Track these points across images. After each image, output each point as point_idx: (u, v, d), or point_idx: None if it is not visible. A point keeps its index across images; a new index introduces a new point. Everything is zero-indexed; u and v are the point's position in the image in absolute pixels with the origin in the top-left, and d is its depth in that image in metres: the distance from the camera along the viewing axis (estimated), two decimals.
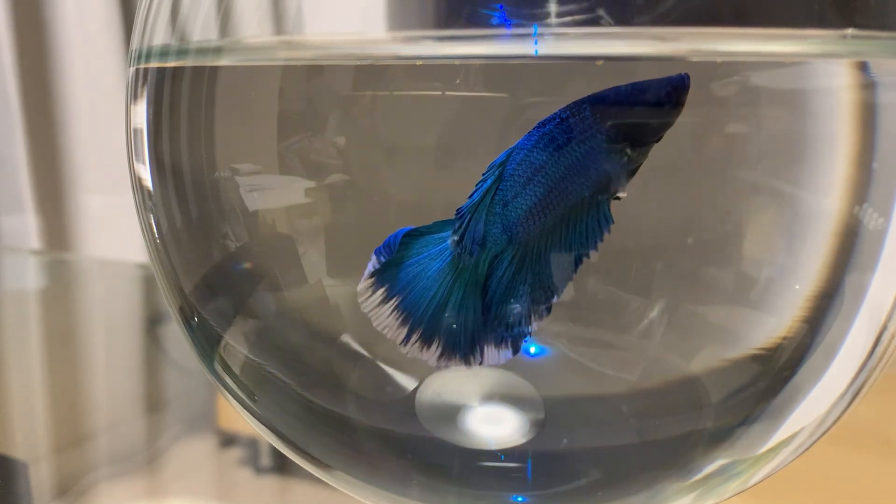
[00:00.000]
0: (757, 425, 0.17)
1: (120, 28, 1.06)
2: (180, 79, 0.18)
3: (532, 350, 0.16)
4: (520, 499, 0.18)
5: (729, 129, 0.15)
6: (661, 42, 0.15)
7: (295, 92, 0.17)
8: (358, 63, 0.16)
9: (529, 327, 0.16)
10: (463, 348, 0.16)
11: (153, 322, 0.60)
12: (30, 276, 0.79)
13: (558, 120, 0.15)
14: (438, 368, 0.16)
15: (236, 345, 0.19)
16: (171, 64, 0.18)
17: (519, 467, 0.18)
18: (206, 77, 0.17)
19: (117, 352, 0.54)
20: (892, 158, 0.16)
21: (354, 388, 0.18)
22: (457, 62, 0.15)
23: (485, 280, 0.16)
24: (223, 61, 0.18)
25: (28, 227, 1.08)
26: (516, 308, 0.16)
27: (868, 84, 0.16)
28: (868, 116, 0.16)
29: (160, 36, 0.18)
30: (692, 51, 0.15)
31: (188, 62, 0.18)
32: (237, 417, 0.21)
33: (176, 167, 0.18)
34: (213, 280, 0.19)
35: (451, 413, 0.17)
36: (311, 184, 0.16)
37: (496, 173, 0.15)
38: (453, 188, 0.16)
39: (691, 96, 0.14)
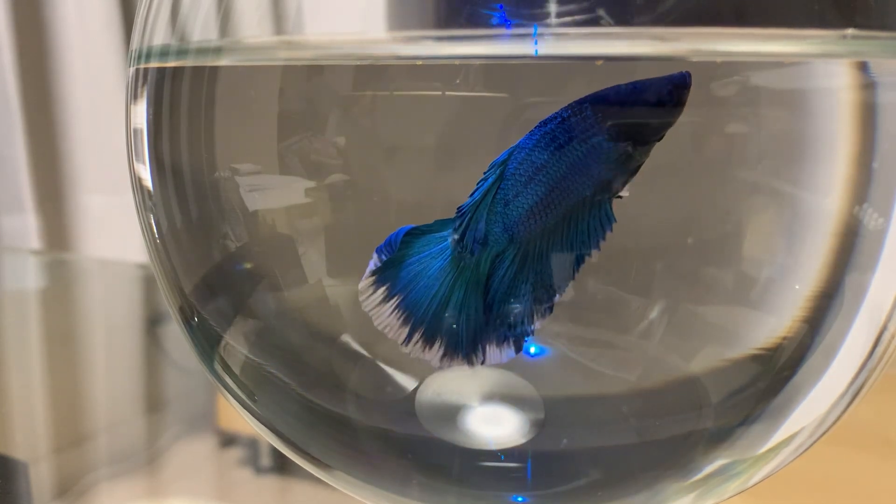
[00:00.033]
0: (757, 425, 0.17)
1: (120, 28, 1.06)
2: (180, 79, 0.18)
3: (532, 350, 0.16)
4: (520, 499, 0.18)
5: (729, 129, 0.15)
6: (661, 42, 0.15)
7: (295, 92, 0.17)
8: (358, 63, 0.16)
9: (532, 326, 0.16)
10: (465, 348, 0.16)
11: (153, 322, 0.60)
12: (30, 276, 0.79)
13: (560, 119, 0.15)
14: (441, 368, 0.16)
15: (236, 345, 0.19)
16: (171, 64, 0.18)
17: (519, 467, 0.18)
18: (206, 77, 0.17)
19: (117, 352, 0.54)
20: (892, 158, 0.16)
21: (354, 388, 0.18)
22: (457, 62, 0.15)
23: (486, 279, 0.16)
24: (223, 61, 0.18)
25: (28, 227, 1.08)
26: (518, 307, 0.16)
27: (868, 84, 0.16)
28: (868, 116, 0.16)
29: (160, 36, 0.18)
30: (692, 51, 0.15)
31: (188, 62, 0.18)
32: (237, 417, 0.21)
33: (176, 167, 0.18)
34: (213, 280, 0.19)
35: (451, 413, 0.17)
36: (311, 184, 0.16)
37: (497, 172, 0.15)
38: (453, 188, 0.16)
39: (691, 96, 0.14)
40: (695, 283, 0.16)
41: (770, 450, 0.18)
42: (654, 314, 0.16)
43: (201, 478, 0.36)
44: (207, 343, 0.20)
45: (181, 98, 0.18)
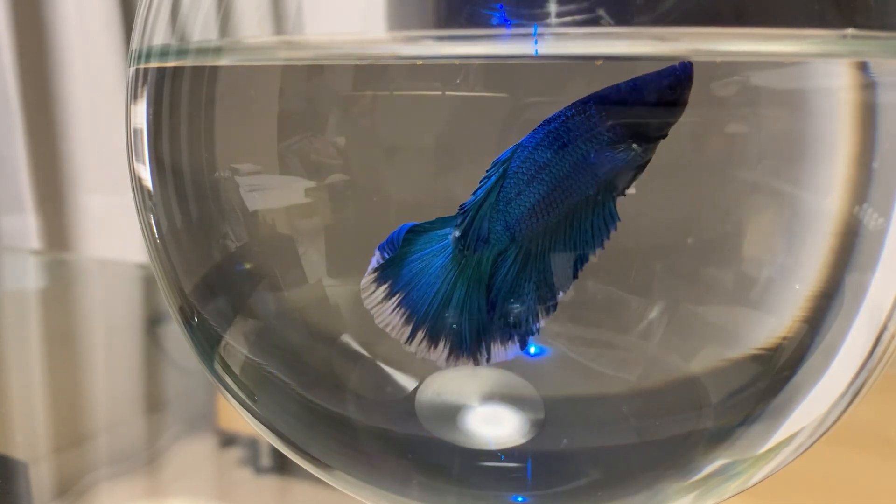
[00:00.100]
0: (757, 425, 0.17)
1: (120, 28, 1.06)
2: (180, 79, 0.18)
3: (532, 350, 0.16)
4: (520, 499, 0.18)
5: (729, 128, 0.15)
6: (661, 42, 0.15)
7: (295, 92, 0.17)
8: (358, 63, 0.16)
9: (536, 325, 0.16)
10: (469, 346, 0.16)
11: (153, 322, 0.60)
12: (30, 276, 0.79)
13: (563, 118, 0.15)
14: (446, 368, 0.16)
15: (236, 345, 0.19)
16: (171, 64, 0.18)
17: (519, 467, 0.18)
18: (206, 77, 0.17)
19: (117, 352, 0.54)
20: (892, 158, 0.16)
21: (354, 388, 0.18)
22: (457, 62, 0.15)
23: (489, 278, 0.16)
24: (223, 61, 0.18)
25: (28, 227, 1.08)
26: (522, 306, 0.16)
27: (868, 84, 0.16)
28: (868, 116, 0.16)
29: (160, 36, 0.18)
30: (692, 51, 0.15)
31: (188, 62, 0.18)
32: (237, 417, 0.21)
33: (176, 167, 0.18)
34: (213, 280, 0.19)
35: (451, 413, 0.17)
36: (311, 184, 0.16)
37: (500, 170, 0.15)
38: (452, 188, 0.16)
39: (692, 96, 0.14)
40: (695, 283, 0.16)
41: (770, 450, 0.18)
42: (654, 314, 0.16)
43: (201, 478, 0.36)
44: (207, 343, 0.20)
45: (181, 98, 0.18)
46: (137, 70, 0.19)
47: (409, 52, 0.17)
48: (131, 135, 0.20)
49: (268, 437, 0.20)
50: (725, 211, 0.16)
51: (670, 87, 0.14)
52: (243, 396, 0.20)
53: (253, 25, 0.18)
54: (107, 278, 0.77)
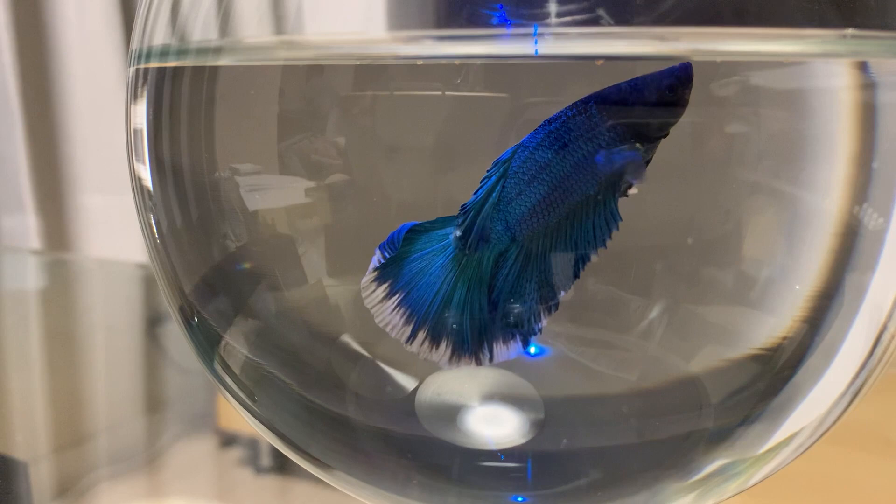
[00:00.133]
0: (757, 425, 0.17)
1: (120, 28, 1.06)
2: (180, 79, 0.18)
3: (532, 350, 0.16)
4: (520, 499, 0.18)
5: (729, 128, 0.15)
6: (661, 42, 0.15)
7: (295, 92, 0.17)
8: (358, 63, 0.16)
9: (538, 325, 0.16)
10: (471, 346, 0.16)
11: (153, 322, 0.60)
12: (30, 276, 0.79)
13: (564, 118, 0.15)
14: (449, 368, 0.16)
15: (236, 345, 0.19)
16: (171, 64, 0.18)
17: (519, 467, 0.18)
18: (206, 77, 0.17)
19: (117, 352, 0.54)
20: (892, 158, 0.16)
21: (354, 387, 0.18)
22: (457, 62, 0.15)
23: (491, 277, 0.16)
24: (223, 61, 0.18)
25: (28, 227, 1.08)
26: (524, 305, 0.16)
27: (868, 84, 0.16)
28: (868, 116, 0.16)
29: (160, 36, 0.18)
30: (692, 51, 0.15)
31: (188, 62, 0.18)
32: (237, 417, 0.21)
33: (176, 167, 0.18)
34: (213, 280, 0.19)
35: (451, 413, 0.17)
36: (311, 184, 0.16)
37: (501, 170, 0.15)
38: (452, 188, 0.16)
39: (692, 96, 0.14)
40: (695, 283, 0.16)
41: (770, 450, 0.18)
42: (654, 314, 0.16)
43: (201, 478, 0.36)
44: (207, 343, 0.20)
45: (181, 98, 0.18)
46: (137, 70, 0.19)
47: (409, 52, 0.17)
48: (131, 135, 0.20)
49: (268, 437, 0.20)
50: (725, 211, 0.16)
51: (671, 87, 0.14)
52: (243, 396, 0.20)
53: (253, 25, 0.18)
54: (107, 278, 0.77)
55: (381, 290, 0.16)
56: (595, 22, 0.15)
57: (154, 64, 0.18)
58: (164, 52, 0.18)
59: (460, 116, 0.15)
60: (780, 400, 0.17)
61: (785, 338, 0.17)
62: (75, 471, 0.36)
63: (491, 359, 0.16)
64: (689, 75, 0.14)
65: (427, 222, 0.16)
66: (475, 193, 0.15)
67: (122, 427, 0.41)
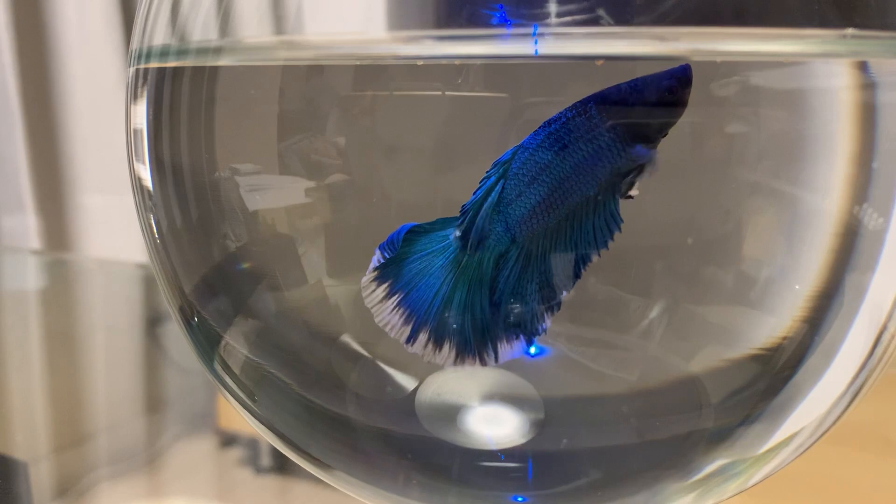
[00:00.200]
0: (757, 425, 0.17)
1: (120, 28, 1.06)
2: (180, 79, 0.18)
3: (532, 350, 0.16)
4: (520, 499, 0.18)
5: (729, 128, 0.15)
6: (661, 42, 0.15)
7: (295, 92, 0.17)
8: (358, 63, 0.16)
9: (542, 325, 0.16)
10: (474, 347, 0.16)
11: (153, 322, 0.60)
12: (30, 276, 0.79)
13: (564, 119, 0.15)
14: (454, 369, 0.16)
15: (236, 345, 0.19)
16: (171, 64, 0.18)
17: (519, 467, 0.18)
18: (206, 77, 0.17)
19: (117, 352, 0.54)
20: (892, 158, 0.16)
21: (354, 387, 0.18)
22: (457, 62, 0.15)
23: (492, 279, 0.16)
24: (223, 61, 0.18)
25: (28, 227, 1.08)
26: (527, 306, 0.16)
27: (868, 84, 0.16)
28: (868, 116, 0.16)
29: (160, 36, 0.18)
30: (692, 51, 0.15)
31: (188, 62, 0.18)
32: (237, 417, 0.21)
33: (176, 167, 0.18)
34: (213, 280, 0.19)
35: (451, 413, 0.17)
36: (311, 184, 0.16)
37: (500, 171, 0.15)
38: (452, 188, 0.16)
39: (692, 96, 0.14)
40: (695, 283, 0.16)
41: (770, 450, 0.18)
42: (654, 314, 0.16)
43: (201, 478, 0.36)
44: (207, 343, 0.20)
45: (181, 98, 0.18)
46: (137, 70, 0.19)
47: (409, 52, 0.17)
48: (131, 135, 0.20)
49: (268, 437, 0.20)
50: (725, 211, 0.16)
51: (670, 87, 0.14)
52: (243, 396, 0.20)
53: (253, 25, 0.18)
54: (107, 278, 0.77)
55: (381, 290, 0.16)
56: (595, 22, 0.15)
57: (154, 64, 0.18)
58: (164, 52, 0.18)
59: (460, 116, 0.15)
60: (780, 400, 0.17)
61: (785, 338, 0.17)
62: (75, 471, 0.36)
63: (496, 359, 0.16)
64: (689, 77, 0.14)
65: (426, 223, 0.16)
66: (475, 194, 0.15)
67: (122, 427, 0.41)
